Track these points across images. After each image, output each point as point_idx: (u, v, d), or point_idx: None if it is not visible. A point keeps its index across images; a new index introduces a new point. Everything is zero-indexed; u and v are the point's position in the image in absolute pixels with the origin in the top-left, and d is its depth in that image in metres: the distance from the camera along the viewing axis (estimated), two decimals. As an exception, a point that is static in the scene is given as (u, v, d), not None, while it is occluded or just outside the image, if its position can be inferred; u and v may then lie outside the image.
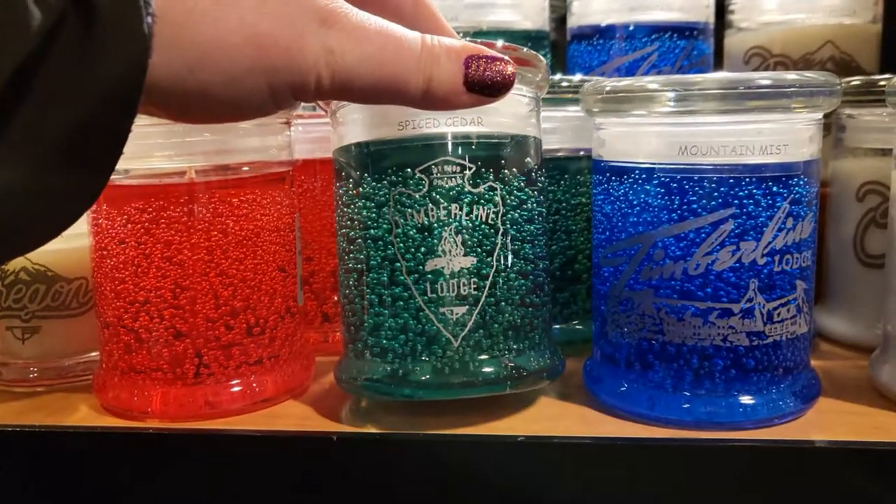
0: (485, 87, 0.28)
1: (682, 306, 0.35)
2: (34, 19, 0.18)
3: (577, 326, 0.47)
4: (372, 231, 0.36)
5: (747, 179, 0.34)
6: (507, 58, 0.28)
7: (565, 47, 0.60)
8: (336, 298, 0.48)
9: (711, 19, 0.55)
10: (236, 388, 0.39)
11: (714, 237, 0.34)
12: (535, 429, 0.36)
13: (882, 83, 0.43)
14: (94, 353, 0.43)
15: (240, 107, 0.25)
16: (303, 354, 0.42)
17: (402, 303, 0.36)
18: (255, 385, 0.39)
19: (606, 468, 0.35)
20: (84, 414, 0.40)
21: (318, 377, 0.43)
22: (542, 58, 0.37)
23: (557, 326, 0.46)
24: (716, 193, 0.34)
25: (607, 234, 0.38)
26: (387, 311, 0.36)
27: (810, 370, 0.39)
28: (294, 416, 0.39)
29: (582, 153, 0.45)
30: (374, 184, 0.36)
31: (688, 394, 0.36)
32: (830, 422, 0.37)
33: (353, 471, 0.36)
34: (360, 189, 0.36)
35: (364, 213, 0.36)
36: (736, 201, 0.34)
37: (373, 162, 0.36)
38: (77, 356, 0.44)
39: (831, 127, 0.48)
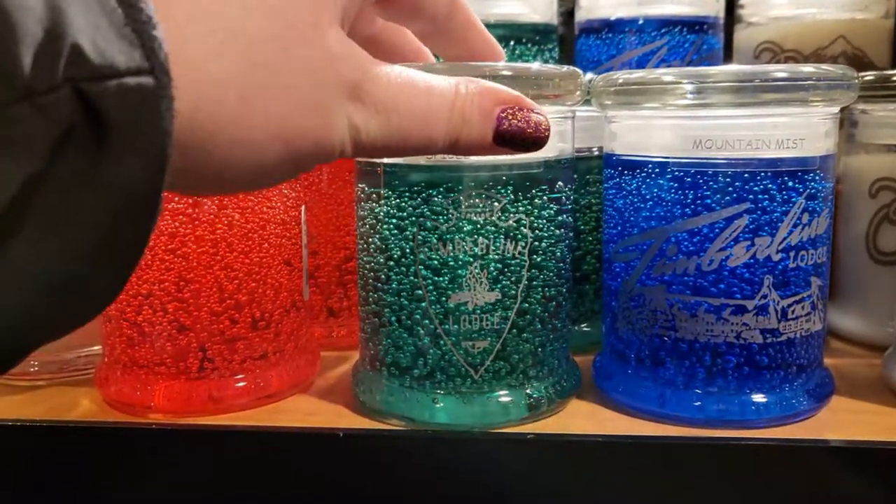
0: (516, 143, 0.26)
1: (696, 302, 0.35)
2: (37, 135, 0.16)
3: (585, 329, 0.47)
4: (395, 254, 0.35)
5: (762, 174, 0.33)
6: (543, 112, 0.26)
7: (573, 41, 0.60)
8: (341, 293, 0.47)
9: (721, 14, 0.55)
10: (241, 383, 0.38)
11: (728, 232, 0.34)
12: (543, 426, 0.36)
13: (896, 78, 0.43)
14: (96, 347, 0.43)
15: (261, 186, 0.24)
16: (308, 349, 0.42)
17: (421, 329, 0.35)
18: (259, 380, 0.39)
19: (616, 466, 0.34)
20: (86, 408, 0.39)
21: (323, 372, 0.43)
22: (579, 72, 0.35)
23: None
24: (730, 188, 0.34)
25: (619, 228, 0.37)
26: (406, 335, 0.36)
27: (824, 369, 0.38)
28: (299, 412, 0.38)
29: (594, 152, 0.45)
30: (399, 203, 0.35)
31: (699, 391, 0.35)
32: (843, 421, 0.36)
33: (359, 467, 0.36)
34: (385, 210, 0.35)
35: (386, 233, 0.35)
36: (751, 196, 0.34)
37: (400, 186, 0.35)
38: (79, 350, 0.43)
39: (843, 122, 0.48)
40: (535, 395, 0.36)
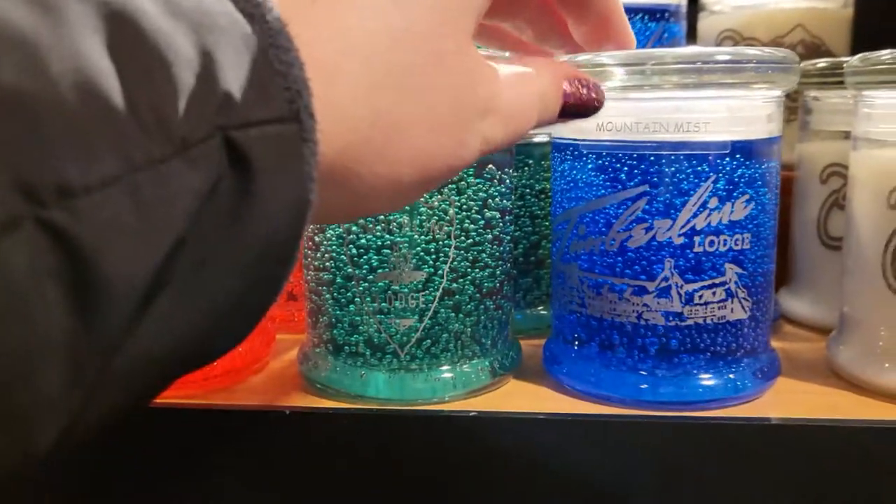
0: (576, 115, 0.27)
1: (602, 281, 0.35)
2: (188, 191, 0.15)
3: (542, 311, 0.47)
4: (329, 234, 0.36)
5: (666, 157, 0.34)
6: (600, 86, 0.28)
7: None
8: (301, 276, 0.48)
9: (684, 1, 0.55)
10: (193, 363, 0.39)
11: (627, 214, 0.34)
12: (485, 404, 0.36)
13: (847, 65, 0.43)
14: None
15: (386, 212, 0.26)
16: (263, 330, 0.42)
17: (353, 307, 0.36)
18: (212, 360, 0.39)
19: (554, 443, 0.35)
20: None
21: (279, 354, 0.44)
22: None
23: (521, 312, 0.46)
24: (636, 171, 0.34)
25: (553, 209, 0.38)
26: (340, 313, 0.37)
27: (753, 358, 0.37)
28: (249, 391, 0.39)
29: (547, 138, 0.45)
30: None
31: (617, 370, 0.36)
32: (785, 402, 0.37)
33: (305, 445, 0.36)
34: None
35: None
36: (654, 179, 0.34)
37: None
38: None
39: (798, 110, 0.48)
40: (465, 374, 0.37)
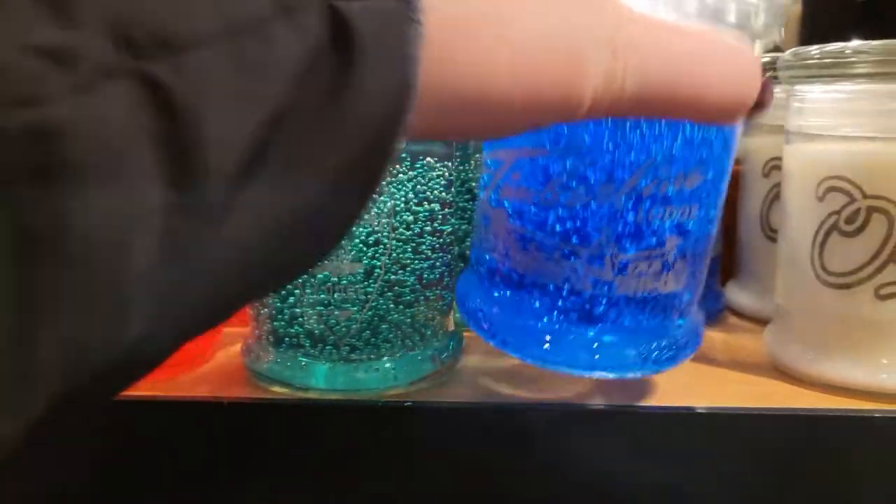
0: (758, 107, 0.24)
1: (529, 237, 0.33)
2: (290, 58, 0.15)
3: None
4: None
5: None
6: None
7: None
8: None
9: None
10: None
11: (569, 170, 0.32)
12: (427, 395, 0.37)
13: (787, 60, 0.44)
14: None
15: (496, 136, 0.23)
16: (209, 323, 0.43)
17: (293, 299, 0.37)
18: (156, 352, 0.40)
19: (485, 432, 0.36)
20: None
21: (226, 346, 0.44)
22: None
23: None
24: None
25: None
26: (280, 304, 0.37)
27: (684, 331, 0.35)
28: (197, 383, 0.39)
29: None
30: None
31: (540, 331, 0.34)
32: (718, 392, 0.37)
33: (248, 436, 0.37)
34: None
35: None
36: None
37: None
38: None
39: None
40: (406, 365, 0.37)
